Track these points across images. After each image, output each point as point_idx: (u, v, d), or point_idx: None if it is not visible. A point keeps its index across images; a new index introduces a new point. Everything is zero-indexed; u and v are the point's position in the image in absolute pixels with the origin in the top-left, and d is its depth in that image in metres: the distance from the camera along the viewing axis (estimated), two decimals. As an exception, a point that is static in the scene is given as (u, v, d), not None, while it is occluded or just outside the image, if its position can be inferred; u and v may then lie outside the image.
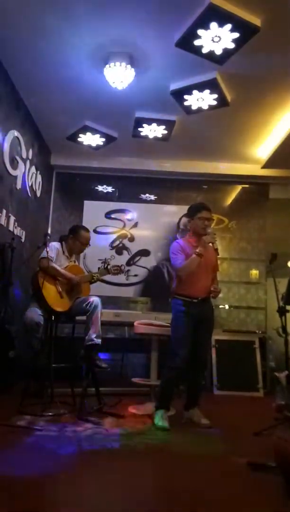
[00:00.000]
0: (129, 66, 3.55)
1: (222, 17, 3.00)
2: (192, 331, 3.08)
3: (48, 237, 3.43)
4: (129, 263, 5.59)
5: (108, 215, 5.72)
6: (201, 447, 2.62)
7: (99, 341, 3.34)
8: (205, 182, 5.85)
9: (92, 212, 5.68)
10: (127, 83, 3.68)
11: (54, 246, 3.56)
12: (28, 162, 4.55)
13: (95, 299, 3.43)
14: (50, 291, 3.35)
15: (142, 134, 4.83)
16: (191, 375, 3.21)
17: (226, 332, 5.14)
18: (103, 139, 4.99)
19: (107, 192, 5.89)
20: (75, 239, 3.69)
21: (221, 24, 3.06)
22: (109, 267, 3.77)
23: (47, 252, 3.30)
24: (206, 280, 3.17)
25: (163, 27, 3.21)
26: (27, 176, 4.58)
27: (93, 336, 3.32)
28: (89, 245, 3.84)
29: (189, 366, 3.10)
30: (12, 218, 4.12)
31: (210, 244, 3.08)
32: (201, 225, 3.17)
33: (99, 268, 3.85)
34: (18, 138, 4.21)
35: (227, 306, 5.58)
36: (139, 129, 4.72)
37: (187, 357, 3.03)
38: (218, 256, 3.24)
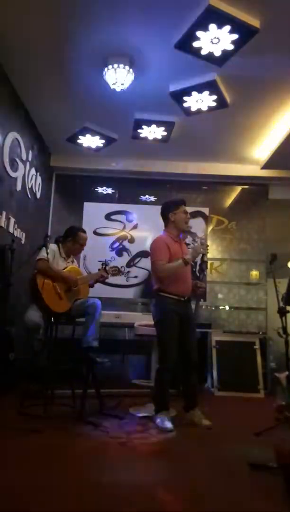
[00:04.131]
0: (128, 67, 3.56)
1: (221, 19, 3.00)
2: (178, 331, 3.07)
3: (48, 239, 3.43)
4: (129, 264, 5.60)
5: (108, 216, 5.73)
6: (202, 447, 2.62)
7: (96, 343, 3.32)
8: (204, 183, 5.86)
9: (92, 214, 5.68)
10: (126, 84, 3.69)
11: (50, 248, 3.55)
12: (28, 164, 4.56)
13: (96, 302, 3.41)
14: (49, 292, 3.34)
15: (141, 135, 4.83)
16: (184, 376, 3.18)
17: (226, 333, 5.13)
18: (103, 141, 5.00)
19: (107, 194, 5.90)
20: (75, 241, 3.67)
21: (220, 26, 3.06)
22: (107, 268, 3.78)
23: (48, 253, 3.30)
24: (189, 279, 3.22)
25: (162, 29, 3.22)
26: (27, 177, 4.59)
27: (91, 338, 3.30)
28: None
29: (181, 367, 3.09)
30: (12, 220, 4.13)
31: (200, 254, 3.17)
32: (185, 218, 3.22)
33: (99, 269, 3.85)
34: (17, 139, 4.21)
35: (227, 307, 5.58)
36: (139, 130, 4.73)
37: (176, 356, 3.02)
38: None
